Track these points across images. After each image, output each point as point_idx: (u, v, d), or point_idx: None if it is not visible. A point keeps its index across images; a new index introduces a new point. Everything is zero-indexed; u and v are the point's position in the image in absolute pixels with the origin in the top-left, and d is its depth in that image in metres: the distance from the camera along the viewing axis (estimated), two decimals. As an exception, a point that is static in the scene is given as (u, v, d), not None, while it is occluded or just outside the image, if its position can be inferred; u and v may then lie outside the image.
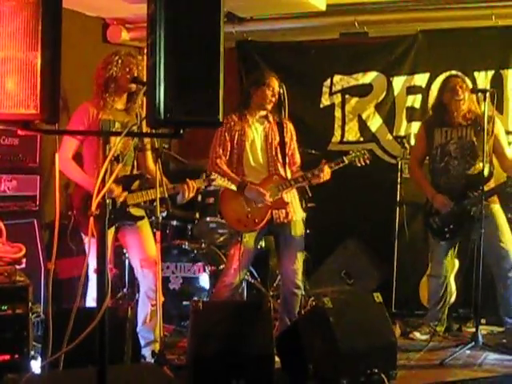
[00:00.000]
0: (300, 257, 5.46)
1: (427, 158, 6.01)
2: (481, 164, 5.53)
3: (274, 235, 5.63)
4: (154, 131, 3.91)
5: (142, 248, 5.01)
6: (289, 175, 5.48)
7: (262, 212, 5.36)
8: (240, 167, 5.46)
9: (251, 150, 5.45)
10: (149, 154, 5.11)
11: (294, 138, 5.61)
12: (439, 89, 5.99)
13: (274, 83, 5.41)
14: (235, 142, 5.44)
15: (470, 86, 5.97)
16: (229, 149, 5.45)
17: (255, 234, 5.43)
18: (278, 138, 5.48)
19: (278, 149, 5.49)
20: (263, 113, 5.51)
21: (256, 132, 5.48)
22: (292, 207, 5.46)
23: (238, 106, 5.59)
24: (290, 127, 5.60)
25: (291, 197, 5.47)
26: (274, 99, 5.43)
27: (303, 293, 5.55)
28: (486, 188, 5.54)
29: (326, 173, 5.30)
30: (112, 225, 4.88)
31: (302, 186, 5.44)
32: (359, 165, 5.47)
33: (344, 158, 5.45)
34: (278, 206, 5.39)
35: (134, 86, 4.83)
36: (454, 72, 6.62)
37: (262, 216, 5.36)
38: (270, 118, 5.53)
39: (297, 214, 5.47)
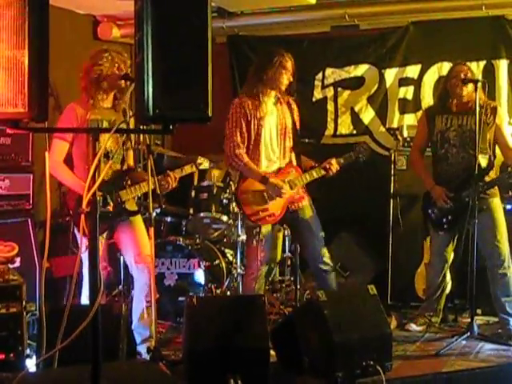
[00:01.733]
0: (319, 236, 5.48)
1: (428, 146, 5.99)
2: (481, 154, 5.52)
3: (287, 224, 5.65)
4: (143, 127, 3.91)
5: (136, 244, 5.00)
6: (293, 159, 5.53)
7: (279, 206, 5.37)
8: (256, 153, 5.38)
9: (266, 136, 5.39)
10: (130, 154, 5.13)
11: (298, 117, 5.57)
12: (446, 76, 5.96)
13: (289, 63, 5.33)
14: (252, 126, 5.33)
15: (476, 77, 5.91)
16: (246, 135, 5.34)
17: (271, 225, 5.45)
18: (290, 121, 5.46)
19: (290, 133, 5.47)
20: (275, 94, 5.42)
21: (271, 116, 5.40)
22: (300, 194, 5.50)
23: (250, 88, 5.44)
24: (294, 106, 5.55)
25: None
26: (287, 80, 5.35)
27: (331, 266, 5.52)
28: (486, 179, 5.55)
29: (335, 168, 5.40)
30: (107, 228, 4.91)
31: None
32: (362, 160, 5.60)
33: (351, 153, 5.55)
34: (295, 200, 5.43)
35: (123, 82, 4.82)
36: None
37: (279, 210, 5.38)
38: (281, 99, 5.47)
39: (305, 200, 5.50)
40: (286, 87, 5.40)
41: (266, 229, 5.39)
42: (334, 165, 5.40)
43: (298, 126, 5.54)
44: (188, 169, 5.33)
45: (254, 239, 5.43)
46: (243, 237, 6.07)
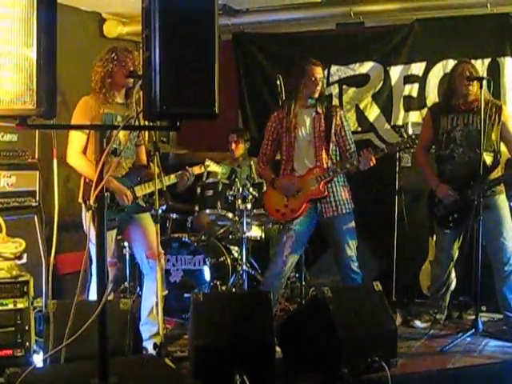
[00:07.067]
0: (352, 245, 5.51)
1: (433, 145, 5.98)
2: (486, 152, 5.51)
3: (323, 228, 5.63)
4: (151, 124, 3.93)
5: (146, 240, 5.03)
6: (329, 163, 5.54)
7: (298, 201, 5.44)
8: (289, 161, 5.53)
9: (299, 145, 5.49)
10: (143, 149, 5.16)
11: (345, 124, 5.62)
12: (449, 74, 5.89)
13: (317, 71, 5.45)
14: (285, 137, 5.52)
15: (480, 73, 5.90)
16: (272, 148, 5.64)
17: (306, 222, 5.50)
18: (323, 125, 5.50)
19: (323, 136, 5.50)
20: (311, 102, 5.52)
21: (304, 125, 5.50)
22: (339, 200, 5.51)
23: (285, 100, 5.65)
24: (339, 114, 5.59)
25: (338, 189, 5.52)
26: (318, 87, 5.46)
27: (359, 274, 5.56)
28: (492, 176, 5.54)
29: (370, 160, 5.35)
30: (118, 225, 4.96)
31: (348, 172, 5.52)
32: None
33: (384, 148, 5.56)
34: (316, 195, 5.45)
35: (130, 80, 4.84)
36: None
37: (298, 205, 5.44)
38: (319, 109, 5.52)
39: (345, 207, 5.52)
40: (319, 94, 5.51)
41: (300, 226, 5.46)
42: (371, 158, 5.35)
43: (342, 132, 5.56)
44: (198, 169, 5.40)
45: (285, 234, 5.50)
46: (248, 233, 6.09)
